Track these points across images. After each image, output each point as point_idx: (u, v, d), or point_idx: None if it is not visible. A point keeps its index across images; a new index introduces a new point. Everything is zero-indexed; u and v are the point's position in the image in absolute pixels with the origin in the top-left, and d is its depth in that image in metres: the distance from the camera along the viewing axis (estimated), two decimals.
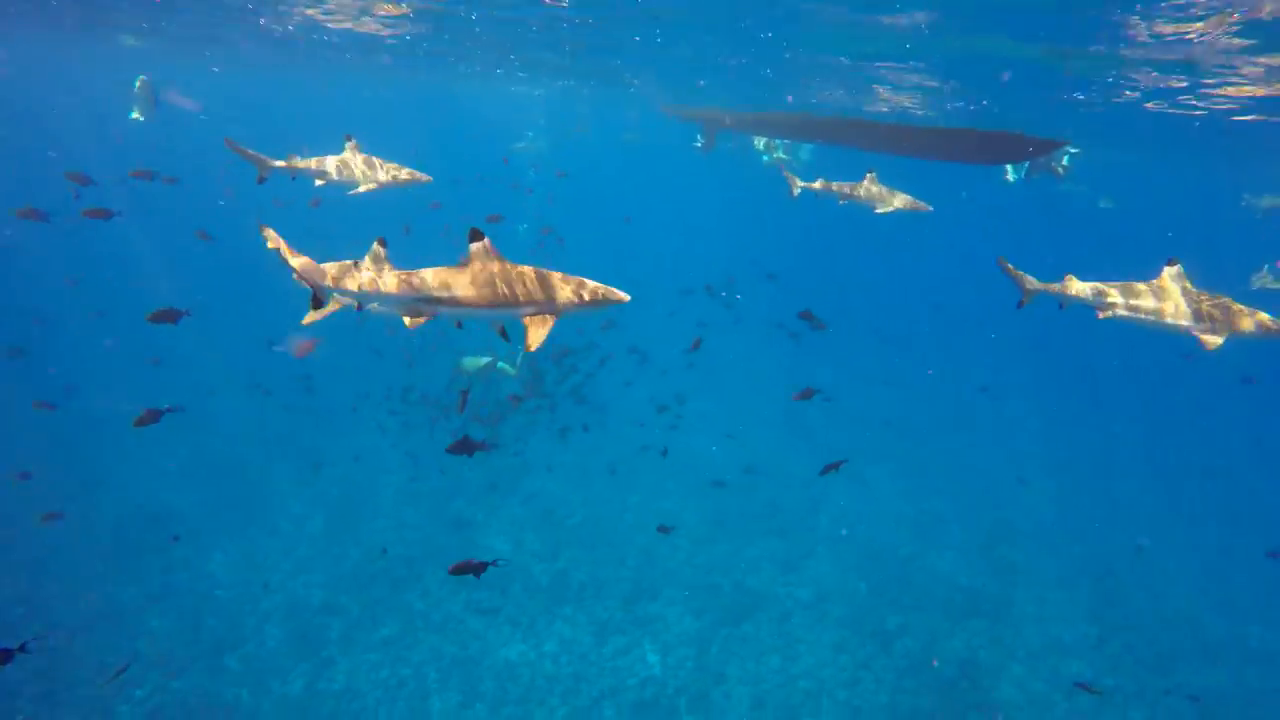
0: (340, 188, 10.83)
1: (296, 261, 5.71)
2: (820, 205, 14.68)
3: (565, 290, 5.79)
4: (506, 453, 16.81)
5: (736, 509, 17.53)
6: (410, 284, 5.69)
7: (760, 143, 24.05)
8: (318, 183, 10.79)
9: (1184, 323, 7.67)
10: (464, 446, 9.15)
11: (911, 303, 42.25)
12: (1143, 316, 7.88)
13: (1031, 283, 8.65)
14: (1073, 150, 18.60)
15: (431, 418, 16.54)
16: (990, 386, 26.63)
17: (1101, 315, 8.10)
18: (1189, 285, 7.79)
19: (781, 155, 23.55)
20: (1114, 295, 8.05)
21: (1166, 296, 7.81)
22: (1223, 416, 29.71)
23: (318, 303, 5.70)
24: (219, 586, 13.85)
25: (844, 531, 17.06)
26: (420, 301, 5.67)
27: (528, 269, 5.81)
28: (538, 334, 5.67)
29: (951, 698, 12.57)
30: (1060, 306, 8.52)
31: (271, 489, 17.02)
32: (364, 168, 10.67)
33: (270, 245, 5.69)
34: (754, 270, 25.08)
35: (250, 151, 10.53)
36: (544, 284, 5.77)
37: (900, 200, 13.45)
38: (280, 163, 10.68)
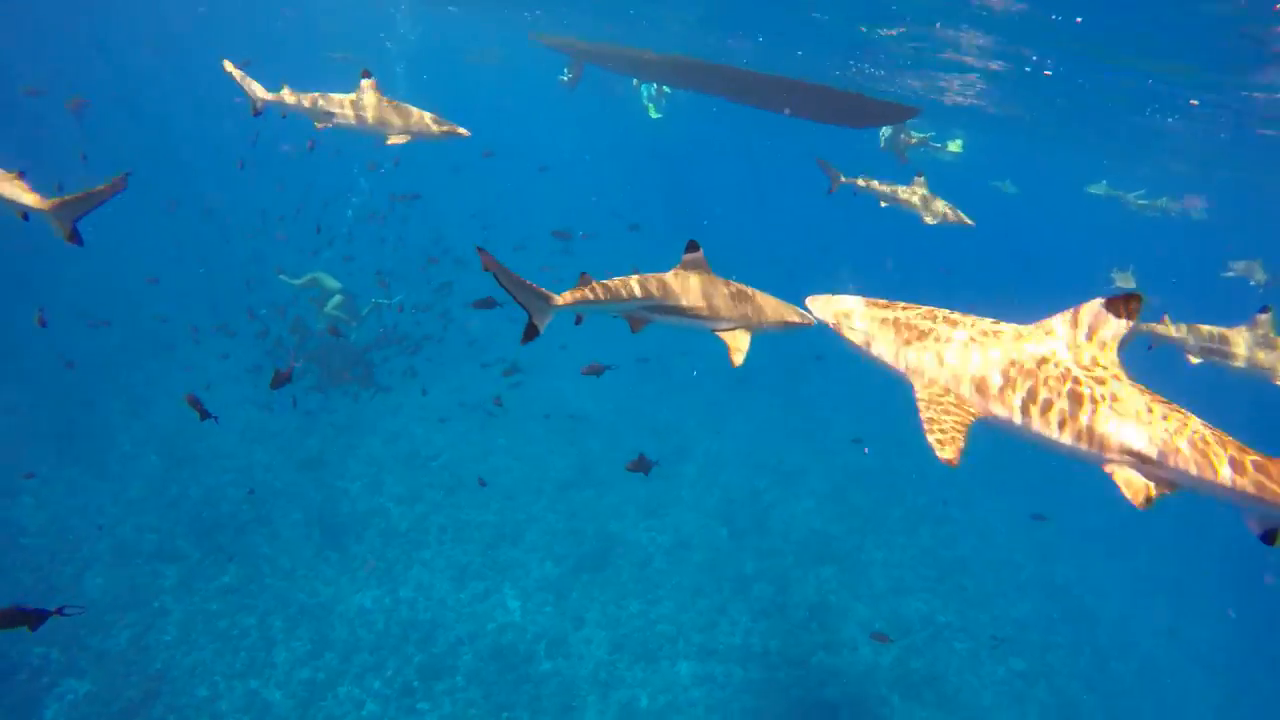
0: (350, 133, 9.17)
1: (514, 282, 5.36)
2: (694, 155, 14.55)
3: (765, 309, 6.05)
4: (368, 390, 15.98)
5: (602, 455, 17.51)
6: (646, 290, 5.77)
7: (646, 91, 22.97)
8: (318, 125, 9.00)
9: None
10: None
11: (775, 255, 43.08)
12: None
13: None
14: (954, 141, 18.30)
15: (275, 344, 15.38)
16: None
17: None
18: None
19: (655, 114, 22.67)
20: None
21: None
22: None
23: (533, 329, 5.52)
24: (25, 534, 12.47)
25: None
26: (646, 309, 5.87)
27: (731, 284, 6.04)
28: (738, 348, 5.96)
29: (800, 639, 13.17)
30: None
31: (97, 425, 15.46)
32: (386, 112, 8.90)
33: (486, 268, 5.18)
34: (615, 221, 24.64)
35: (248, 80, 9.00)
36: (744, 300, 6.02)
37: (946, 211, 12.31)
38: (270, 96, 9.05)
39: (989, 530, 17.89)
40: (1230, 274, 16.73)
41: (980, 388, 4.30)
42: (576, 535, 14.97)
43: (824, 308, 5.27)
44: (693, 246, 5.96)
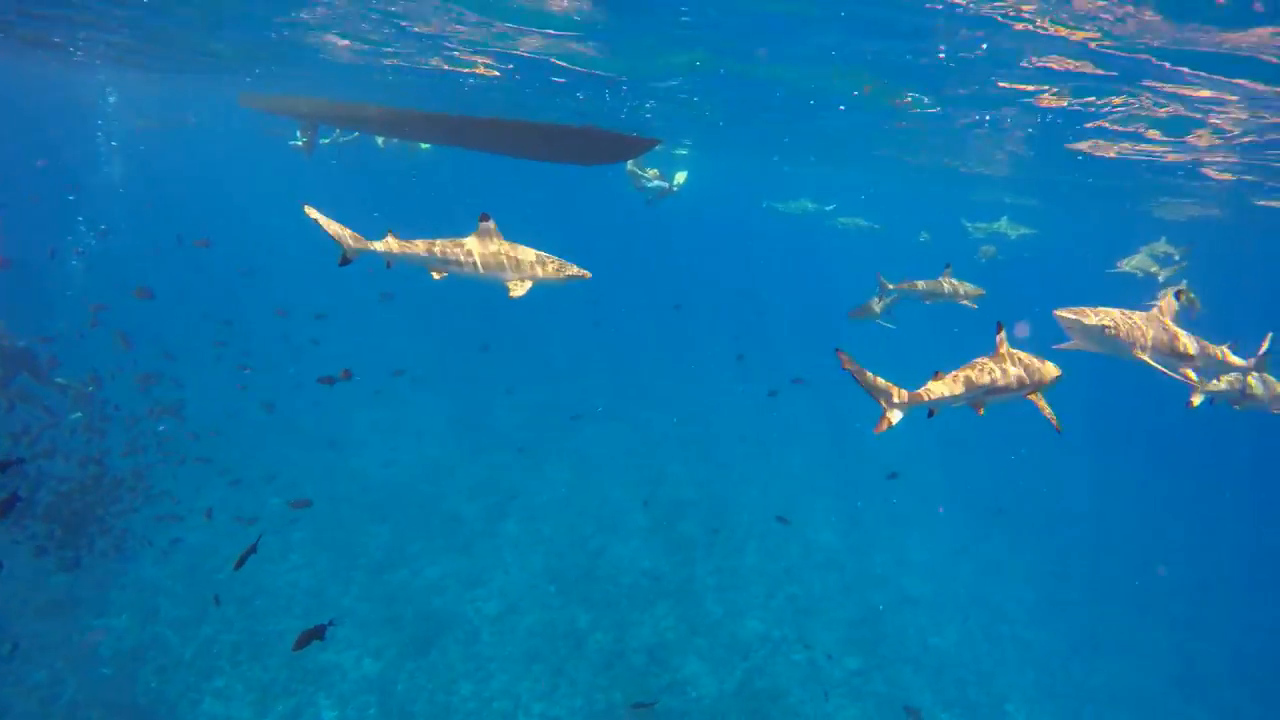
0: (474, 282, 7.94)
1: None
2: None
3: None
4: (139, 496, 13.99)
5: (418, 527, 16.39)
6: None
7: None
8: (436, 274, 7.77)
9: None
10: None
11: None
12: None
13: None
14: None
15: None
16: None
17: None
18: None
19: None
20: None
21: None
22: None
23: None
24: None
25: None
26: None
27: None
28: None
29: (644, 685, 12.80)
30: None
31: None
32: (506, 258, 7.75)
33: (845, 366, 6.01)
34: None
35: (334, 225, 7.53)
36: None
37: (971, 292, 12.63)
38: (370, 244, 7.66)
39: (810, 536, 18.50)
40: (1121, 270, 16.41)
41: None
42: (395, 622, 13.79)
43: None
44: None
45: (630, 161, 16.05)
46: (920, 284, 12.59)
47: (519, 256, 7.72)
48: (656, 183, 16.00)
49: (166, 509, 14.76)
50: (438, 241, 7.70)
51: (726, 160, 32.55)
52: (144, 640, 12.28)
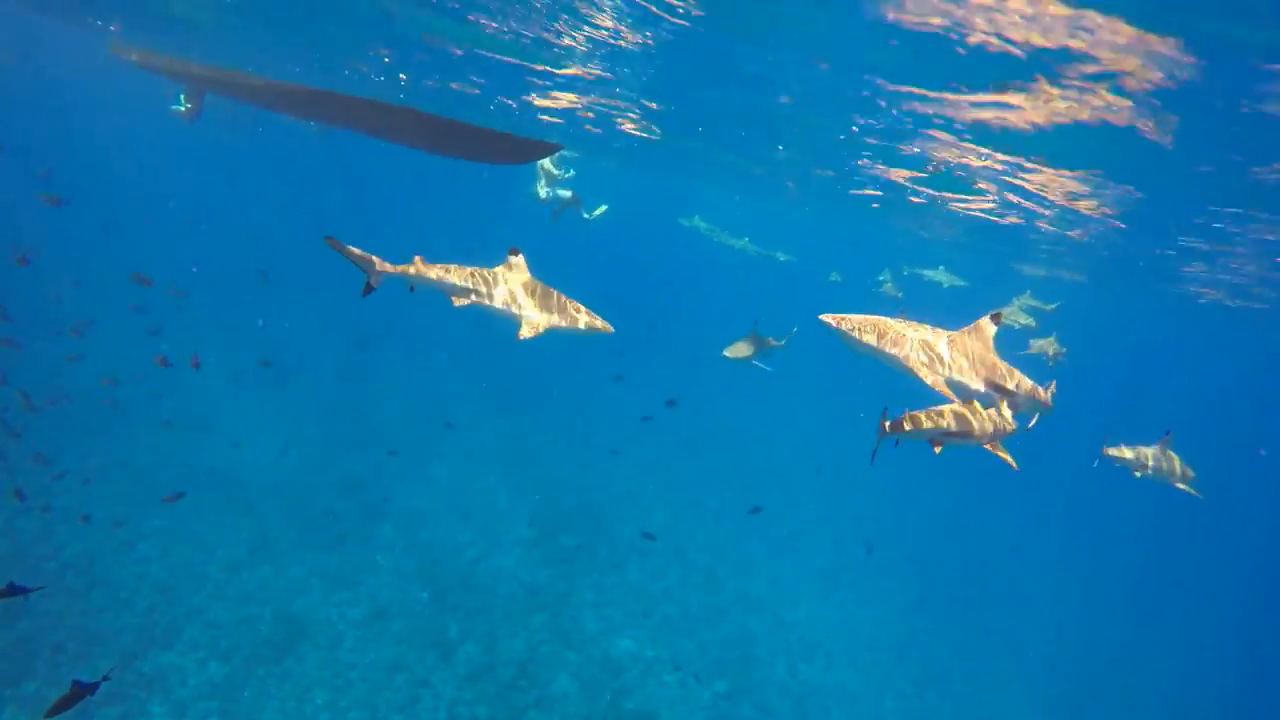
0: (489, 315, 7.49)
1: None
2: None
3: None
4: None
5: (284, 524, 15.43)
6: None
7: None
8: (457, 302, 7.30)
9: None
10: None
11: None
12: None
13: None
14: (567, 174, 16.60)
15: None
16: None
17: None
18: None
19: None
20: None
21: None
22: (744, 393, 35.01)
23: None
24: None
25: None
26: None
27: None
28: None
29: (511, 700, 12.41)
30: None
31: None
32: (535, 298, 7.35)
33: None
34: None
35: (356, 251, 6.96)
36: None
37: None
38: (392, 268, 7.18)
39: (688, 556, 18.51)
40: (1029, 352, 17.29)
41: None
42: (250, 623, 12.90)
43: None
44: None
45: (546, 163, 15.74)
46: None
47: (547, 298, 7.34)
48: (561, 191, 15.76)
49: None
50: (466, 269, 7.24)
51: (645, 176, 32.65)
52: None
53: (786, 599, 18.24)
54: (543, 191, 15.92)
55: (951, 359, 6.63)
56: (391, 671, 12.51)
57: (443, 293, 7.34)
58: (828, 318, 6.36)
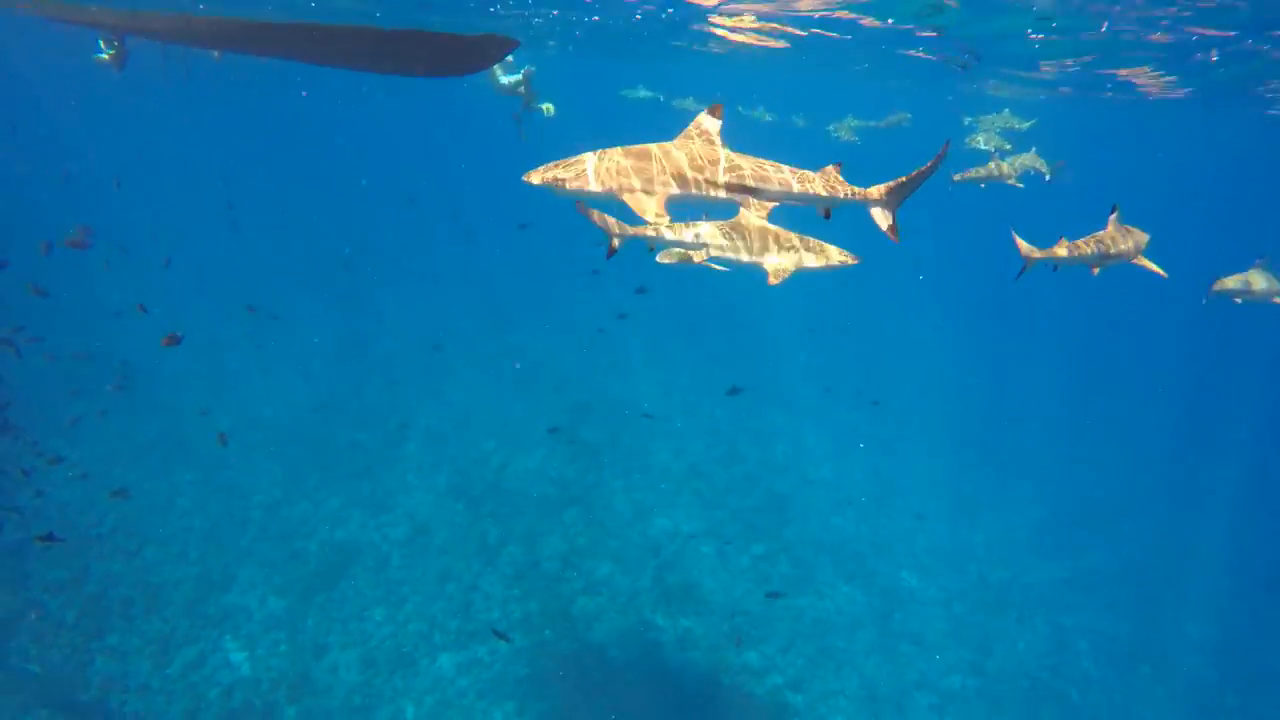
0: (739, 269, 6.82)
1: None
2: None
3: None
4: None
5: (311, 461, 15.80)
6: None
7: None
8: (698, 258, 6.69)
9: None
10: None
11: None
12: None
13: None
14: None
15: None
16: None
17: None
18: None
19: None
20: None
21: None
22: None
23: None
24: None
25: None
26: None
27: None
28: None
29: (559, 591, 12.99)
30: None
31: None
32: (778, 242, 6.65)
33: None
34: None
35: (598, 216, 6.55)
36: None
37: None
38: (634, 230, 6.68)
39: (713, 429, 18.89)
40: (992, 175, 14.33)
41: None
42: (299, 557, 13.44)
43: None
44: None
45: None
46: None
47: (791, 240, 6.72)
48: (508, 81, 15.00)
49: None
50: (707, 226, 6.67)
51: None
52: (14, 610, 11.49)
53: (810, 458, 18.67)
54: (504, 80, 15.14)
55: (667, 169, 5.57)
56: (441, 582, 13.07)
57: (687, 250, 6.80)
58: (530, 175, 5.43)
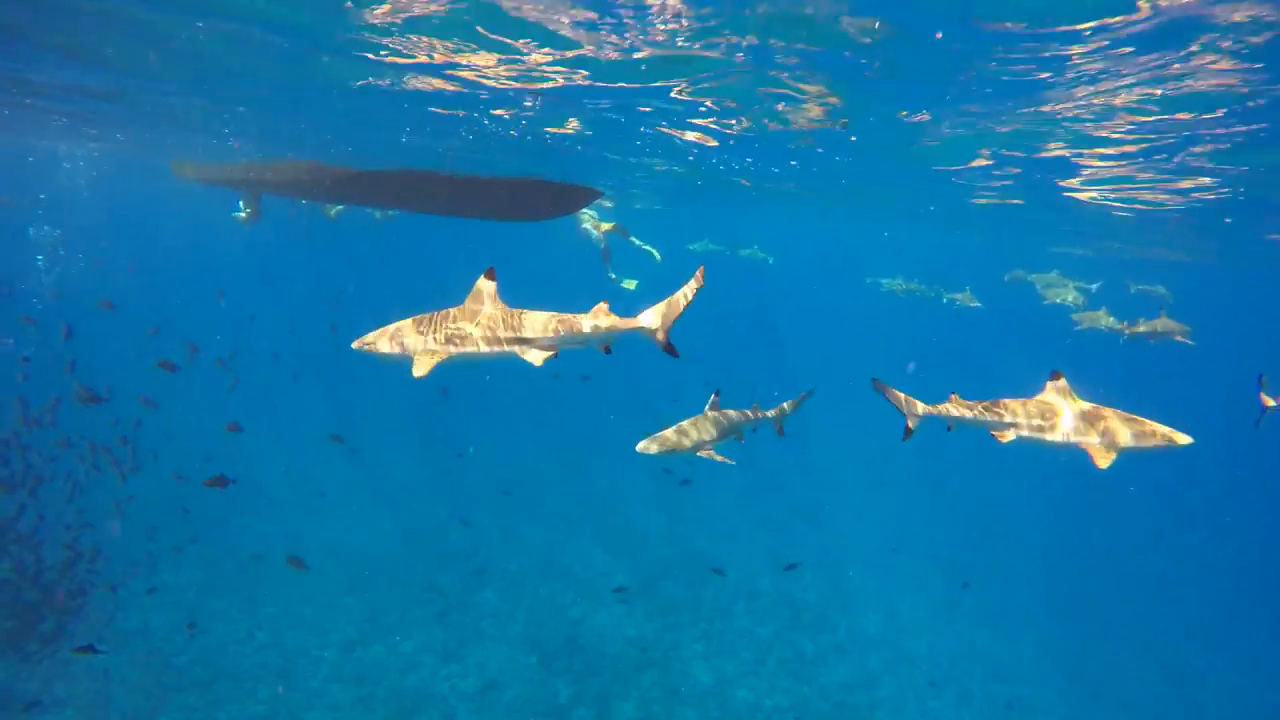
0: (1052, 450, 6.93)
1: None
2: None
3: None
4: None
5: (392, 600, 15.70)
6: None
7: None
8: (1003, 438, 6.92)
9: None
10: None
11: None
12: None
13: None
14: None
15: None
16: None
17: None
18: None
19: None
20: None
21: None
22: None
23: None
24: None
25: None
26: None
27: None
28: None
29: None
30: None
31: None
32: (1084, 423, 6.68)
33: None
34: None
35: (899, 395, 7.49)
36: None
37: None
38: (929, 409, 7.42)
39: (798, 597, 17.90)
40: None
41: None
42: (367, 703, 13.06)
43: None
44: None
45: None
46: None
47: (1110, 424, 6.49)
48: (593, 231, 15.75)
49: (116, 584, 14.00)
50: (1009, 403, 6.88)
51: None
52: None
53: (909, 633, 17.33)
54: (592, 227, 15.87)
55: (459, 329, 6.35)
56: None
57: (979, 429, 6.98)
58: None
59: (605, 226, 16.00)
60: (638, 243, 16.73)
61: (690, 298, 6.35)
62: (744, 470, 24.03)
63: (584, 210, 15.87)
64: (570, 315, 6.42)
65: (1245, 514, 31.07)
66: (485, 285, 6.39)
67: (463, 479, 22.04)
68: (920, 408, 7.39)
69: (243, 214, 14.79)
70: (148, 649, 13.51)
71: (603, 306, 6.51)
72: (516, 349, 6.32)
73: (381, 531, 18.48)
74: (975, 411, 6.99)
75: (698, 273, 6.34)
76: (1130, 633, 19.22)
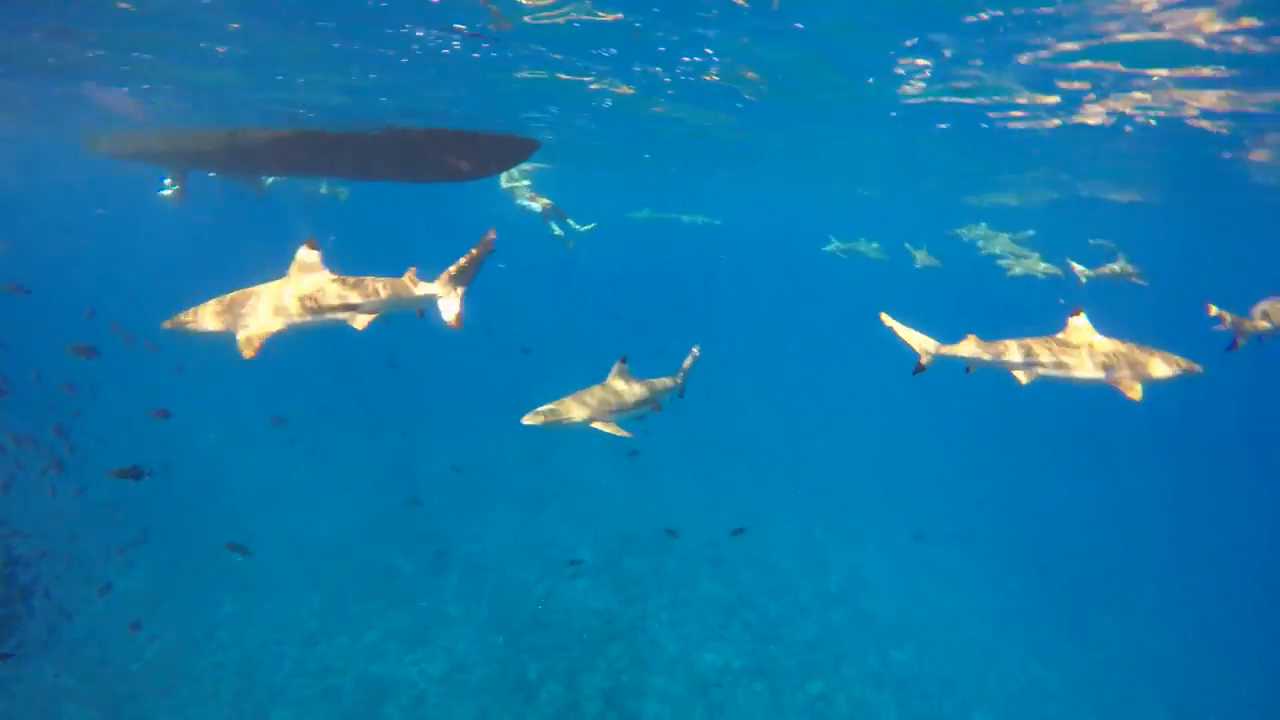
0: (1059, 383, 6.94)
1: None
2: None
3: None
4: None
5: (351, 591, 15.48)
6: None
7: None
8: (1023, 378, 6.87)
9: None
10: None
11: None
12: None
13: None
14: None
15: None
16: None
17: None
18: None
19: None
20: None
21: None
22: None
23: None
24: None
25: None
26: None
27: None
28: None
29: None
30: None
31: None
32: (1123, 354, 6.66)
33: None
34: None
35: (911, 333, 7.26)
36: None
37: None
38: (945, 349, 7.22)
39: (763, 558, 18.09)
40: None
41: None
42: (332, 695, 12.92)
43: None
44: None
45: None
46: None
47: (1135, 356, 6.57)
48: (532, 204, 15.44)
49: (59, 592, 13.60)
50: (1030, 342, 6.79)
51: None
52: None
53: (867, 590, 17.66)
54: (532, 203, 15.55)
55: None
56: None
57: (1006, 370, 6.89)
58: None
59: (543, 200, 15.76)
60: (576, 226, 16.50)
61: (479, 259, 6.55)
62: (705, 441, 24.47)
63: (519, 183, 15.66)
64: (392, 280, 6.60)
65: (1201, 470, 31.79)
66: (308, 254, 6.41)
67: (417, 462, 21.72)
68: (934, 346, 7.22)
69: (168, 191, 14.15)
70: (98, 658, 13.15)
71: (411, 271, 6.69)
72: (350, 314, 6.38)
73: (340, 520, 18.18)
74: (994, 352, 6.89)
75: (485, 237, 6.50)
76: (1093, 586, 19.81)
